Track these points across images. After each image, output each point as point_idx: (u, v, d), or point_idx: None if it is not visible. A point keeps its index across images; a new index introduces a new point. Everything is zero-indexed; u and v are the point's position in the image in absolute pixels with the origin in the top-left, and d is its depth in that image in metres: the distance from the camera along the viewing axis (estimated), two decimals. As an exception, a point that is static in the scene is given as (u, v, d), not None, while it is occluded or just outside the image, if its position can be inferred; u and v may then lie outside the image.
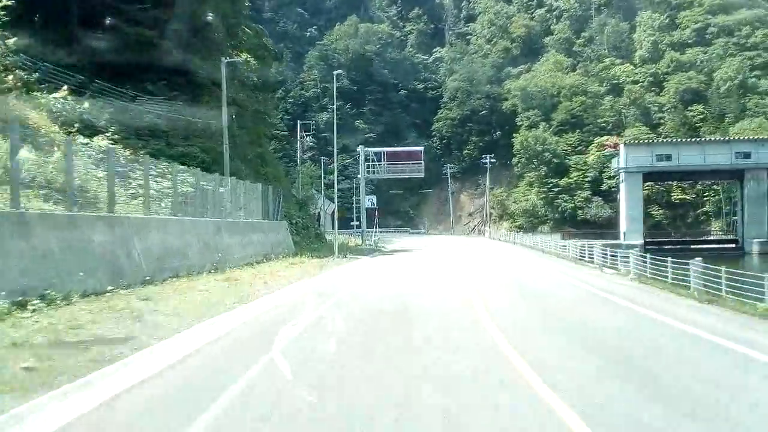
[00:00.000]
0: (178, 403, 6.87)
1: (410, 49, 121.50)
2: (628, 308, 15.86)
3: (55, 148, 14.56)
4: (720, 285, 17.29)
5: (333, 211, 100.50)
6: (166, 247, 16.96)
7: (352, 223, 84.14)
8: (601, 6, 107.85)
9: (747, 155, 58.95)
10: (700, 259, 19.68)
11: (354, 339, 10.77)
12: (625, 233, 60.19)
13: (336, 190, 37.20)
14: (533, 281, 23.10)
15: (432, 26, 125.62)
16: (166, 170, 19.34)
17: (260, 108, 40.91)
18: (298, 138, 62.27)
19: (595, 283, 22.48)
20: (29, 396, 6.29)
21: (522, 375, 8.04)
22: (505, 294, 18.00)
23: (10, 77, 19.33)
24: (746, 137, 64.53)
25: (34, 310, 10.19)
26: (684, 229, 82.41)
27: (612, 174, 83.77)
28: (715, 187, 79.19)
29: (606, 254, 30.70)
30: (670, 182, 78.59)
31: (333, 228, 36.37)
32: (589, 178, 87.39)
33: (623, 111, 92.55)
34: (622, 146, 64.91)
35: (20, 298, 10.31)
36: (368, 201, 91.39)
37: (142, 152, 20.02)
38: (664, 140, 71.38)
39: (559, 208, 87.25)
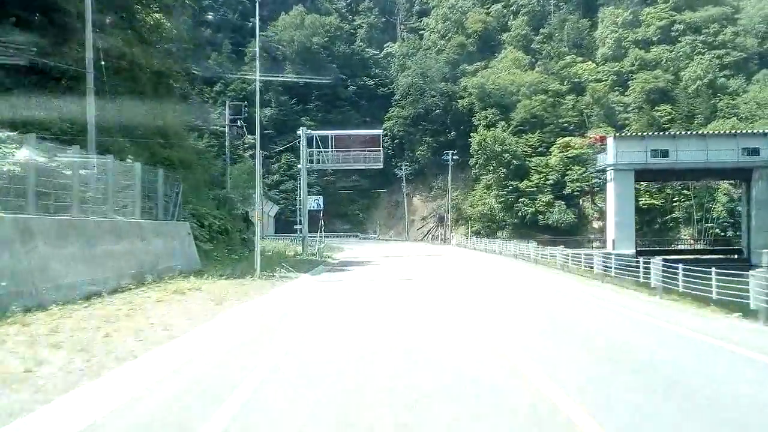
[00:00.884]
0: None
1: (360, 44, 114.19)
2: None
3: None
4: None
5: (276, 214, 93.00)
6: None
7: (296, 227, 76.30)
8: (560, 2, 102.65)
9: (755, 151, 51.41)
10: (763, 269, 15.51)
11: None
12: (614, 241, 52.01)
13: (258, 177, 26.82)
14: (568, 314, 15.71)
15: (383, 20, 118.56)
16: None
17: (160, 61, 30.54)
18: (227, 117, 53.56)
19: (649, 312, 15.52)
20: None
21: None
22: (565, 349, 10.27)
23: None
24: (755, 130, 57.10)
25: None
26: (650, 236, 77.16)
27: (583, 175, 78.47)
28: (685, 191, 74.17)
29: (612, 265, 24.42)
30: (665, 182, 71.77)
31: (257, 233, 27.14)
32: (551, 181, 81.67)
33: (585, 111, 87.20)
34: (610, 140, 56.19)
35: None
36: (314, 202, 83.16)
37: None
38: (660, 133, 63.99)
39: (519, 213, 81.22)
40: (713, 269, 18.39)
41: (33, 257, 11.55)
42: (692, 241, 73.59)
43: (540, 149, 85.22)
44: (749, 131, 57.40)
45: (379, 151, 45.44)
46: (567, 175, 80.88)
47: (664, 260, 25.94)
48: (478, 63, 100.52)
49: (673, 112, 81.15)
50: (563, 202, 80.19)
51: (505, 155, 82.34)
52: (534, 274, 29.58)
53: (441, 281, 24.26)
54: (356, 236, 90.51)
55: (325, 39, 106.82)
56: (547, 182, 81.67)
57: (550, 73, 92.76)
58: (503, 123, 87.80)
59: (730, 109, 76.69)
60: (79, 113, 18.99)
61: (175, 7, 34.06)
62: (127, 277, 15.65)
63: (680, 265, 20.26)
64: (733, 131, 58.57)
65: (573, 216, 79.86)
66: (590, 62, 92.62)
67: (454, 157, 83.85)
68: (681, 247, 73.44)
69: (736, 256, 54.70)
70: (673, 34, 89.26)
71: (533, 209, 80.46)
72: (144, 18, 29.10)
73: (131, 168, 18.17)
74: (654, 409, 6.79)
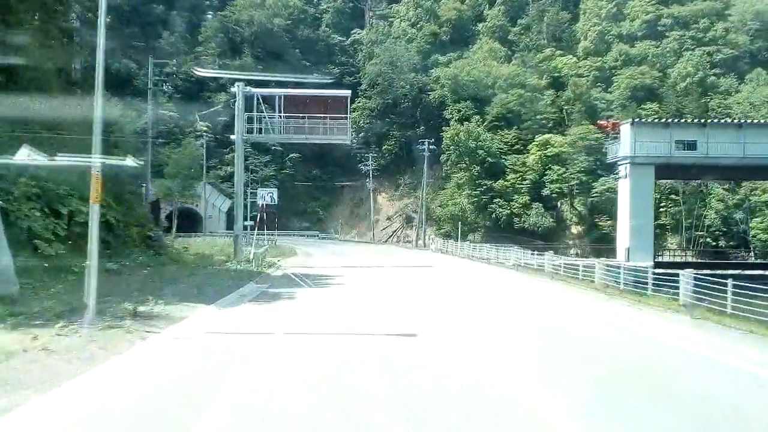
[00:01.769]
0: None
1: (326, 29, 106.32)
2: None
3: None
4: None
5: (228, 209, 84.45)
6: None
7: (245, 223, 68.39)
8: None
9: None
10: None
11: None
12: (628, 250, 43.68)
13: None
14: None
15: (351, 5, 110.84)
16: None
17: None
18: (150, 74, 45.72)
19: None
20: None
21: None
22: None
23: None
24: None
25: None
26: (634, 243, 71.39)
27: (563, 175, 72.13)
28: (673, 196, 68.56)
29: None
30: (691, 180, 64.00)
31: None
32: (528, 182, 75.42)
33: (566, 107, 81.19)
34: (626, 126, 46.76)
35: None
36: (267, 195, 75.16)
37: None
38: (687, 120, 54.22)
39: (493, 215, 74.81)
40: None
41: None
42: (679, 251, 68.01)
43: (517, 147, 78.95)
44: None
45: (346, 120, 34.88)
46: (546, 175, 74.72)
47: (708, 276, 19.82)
48: (451, 54, 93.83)
49: (661, 111, 75.54)
50: (541, 205, 74.00)
51: (480, 152, 75.82)
52: (556, 296, 22.55)
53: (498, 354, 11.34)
54: (316, 236, 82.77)
55: (288, 22, 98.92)
56: (524, 182, 75.46)
57: (528, 66, 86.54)
58: (477, 117, 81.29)
59: (722, 110, 71.32)
60: None
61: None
62: None
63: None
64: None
65: (551, 220, 73.67)
66: (571, 56, 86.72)
67: (420, 156, 76.95)
68: (691, 259, 67.77)
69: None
70: (659, 29, 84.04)
71: (508, 211, 74.14)
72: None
73: None
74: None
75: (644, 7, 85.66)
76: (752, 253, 65.27)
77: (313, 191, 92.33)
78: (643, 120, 53.48)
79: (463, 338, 12.44)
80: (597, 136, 74.82)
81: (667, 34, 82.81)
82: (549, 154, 74.89)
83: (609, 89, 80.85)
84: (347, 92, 38.05)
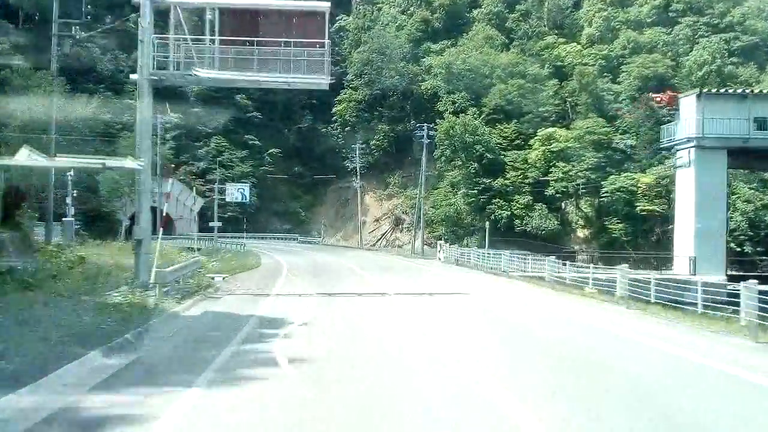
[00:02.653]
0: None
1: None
2: None
3: None
4: None
5: (201, 209, 76.70)
6: None
7: (211, 223, 61.10)
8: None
9: None
10: None
11: None
12: (694, 260, 35.81)
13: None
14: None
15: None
16: None
17: None
18: None
19: None
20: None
21: None
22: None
23: None
24: None
25: None
26: (646, 248, 64.80)
27: (570, 173, 65.18)
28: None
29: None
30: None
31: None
32: (529, 180, 68.57)
33: (570, 99, 74.40)
34: (690, 99, 37.94)
35: None
36: (237, 191, 68.36)
37: None
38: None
39: (492, 216, 67.72)
40: None
41: None
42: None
43: (517, 142, 72.05)
44: None
45: (323, 48, 21.01)
46: (550, 172, 67.89)
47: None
48: (444, 42, 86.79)
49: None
50: (545, 205, 67.15)
51: (477, 147, 68.75)
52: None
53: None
54: (295, 239, 75.35)
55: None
56: (526, 181, 68.57)
57: (528, 55, 79.70)
58: (474, 110, 74.36)
59: (744, 101, 64.72)
60: None
61: None
62: None
63: None
64: None
65: (556, 222, 66.85)
66: (575, 44, 79.95)
67: (410, 153, 69.77)
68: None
69: None
70: (670, 14, 77.43)
71: (509, 212, 67.16)
72: None
73: None
74: None
75: (654, -9, 79.01)
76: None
77: (294, 190, 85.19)
78: (713, 91, 43.01)
79: None
80: (606, 130, 68.45)
81: (679, 20, 76.20)
82: (553, 149, 68.06)
83: (617, 79, 74.07)
84: (326, 5, 22.00)
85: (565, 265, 30.04)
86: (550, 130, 69.86)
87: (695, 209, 36.76)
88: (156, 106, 76.15)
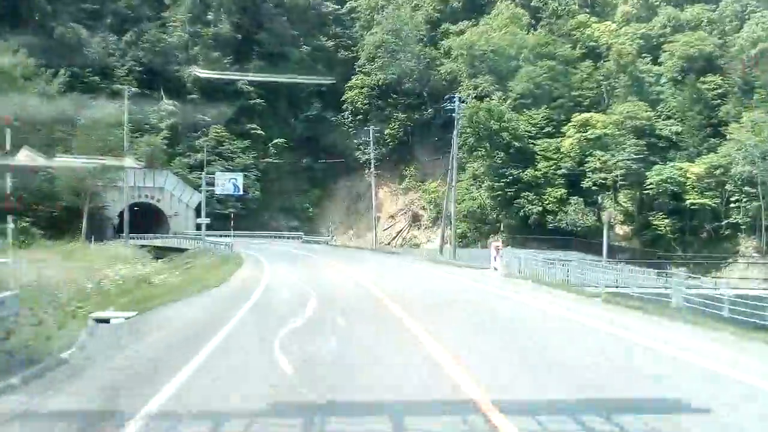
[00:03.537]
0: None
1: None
2: None
3: None
4: None
5: (198, 205, 68.94)
6: None
7: (198, 221, 54.18)
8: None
9: None
10: None
11: None
12: None
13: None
14: None
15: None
16: None
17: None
18: None
19: None
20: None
21: None
22: None
23: None
24: None
25: None
26: (696, 246, 57.83)
27: (608, 163, 57.70)
28: (748, 188, 54.72)
29: None
30: None
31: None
32: (562, 171, 61.61)
33: (606, 82, 67.34)
34: None
35: None
36: (228, 182, 61.19)
37: None
38: None
39: (521, 212, 60.90)
40: None
41: None
42: (758, 256, 54.44)
43: (547, 129, 65.02)
44: None
45: None
46: (586, 162, 60.90)
47: None
48: (464, 22, 79.93)
49: (726, 85, 61.96)
50: (581, 199, 60.14)
51: (504, 134, 61.83)
52: None
53: None
54: (299, 238, 67.95)
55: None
56: (559, 172, 61.63)
57: (557, 35, 72.71)
58: (499, 94, 67.50)
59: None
60: None
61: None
62: None
63: None
64: None
65: (594, 218, 59.81)
66: (609, 22, 72.93)
67: (426, 143, 62.13)
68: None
69: None
70: (716, -12, 70.41)
71: (540, 207, 60.21)
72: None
73: None
74: None
75: (696, -37, 71.82)
76: None
77: (301, 183, 78.39)
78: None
79: None
80: (648, 115, 61.43)
81: (725, -6, 69.12)
82: (590, 137, 61.03)
83: (658, 60, 66.98)
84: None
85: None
86: (586, 115, 62.79)
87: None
88: (150, 93, 68.80)
